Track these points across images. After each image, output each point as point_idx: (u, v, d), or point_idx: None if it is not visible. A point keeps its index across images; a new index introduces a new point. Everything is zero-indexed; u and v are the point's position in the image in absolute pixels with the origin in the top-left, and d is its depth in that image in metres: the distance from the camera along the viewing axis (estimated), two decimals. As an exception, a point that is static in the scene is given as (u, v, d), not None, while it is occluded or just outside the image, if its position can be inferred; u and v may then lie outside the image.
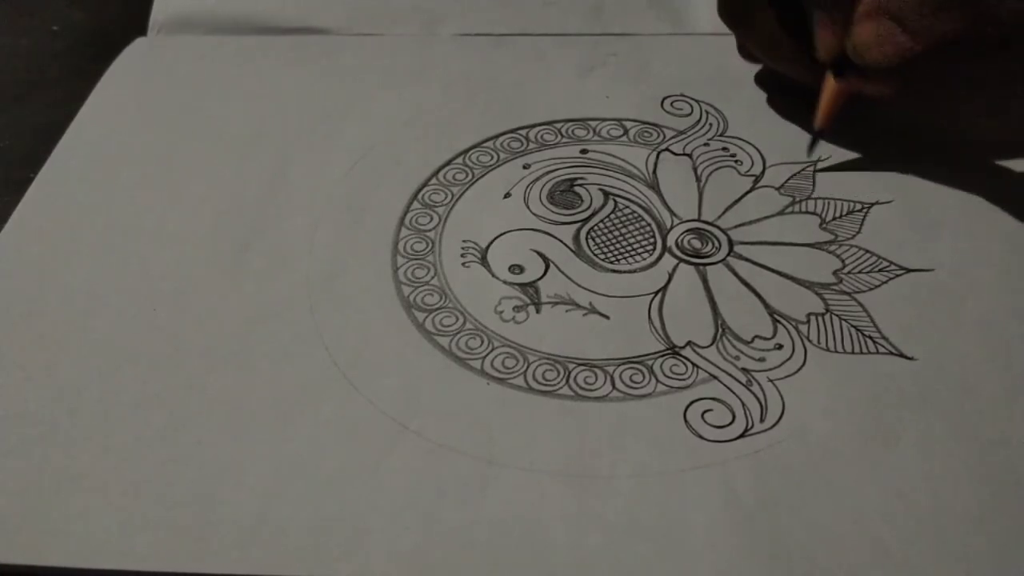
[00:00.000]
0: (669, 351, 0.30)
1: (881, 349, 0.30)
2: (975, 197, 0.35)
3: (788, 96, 0.39)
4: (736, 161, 0.37)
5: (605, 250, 0.34)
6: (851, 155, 0.37)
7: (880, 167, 0.36)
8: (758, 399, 0.29)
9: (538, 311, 0.32)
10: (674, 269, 0.33)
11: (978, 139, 0.37)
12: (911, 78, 0.33)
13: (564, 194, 0.36)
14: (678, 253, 0.34)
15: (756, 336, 0.31)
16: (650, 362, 0.30)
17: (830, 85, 0.35)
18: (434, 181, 0.37)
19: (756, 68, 0.41)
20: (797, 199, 0.35)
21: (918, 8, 0.30)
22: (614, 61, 0.42)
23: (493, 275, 0.33)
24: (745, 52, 0.40)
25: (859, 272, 0.33)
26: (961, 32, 0.30)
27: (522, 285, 0.33)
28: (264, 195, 0.36)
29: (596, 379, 0.29)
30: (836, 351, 0.30)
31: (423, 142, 0.38)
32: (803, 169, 0.36)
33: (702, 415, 0.28)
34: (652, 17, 0.45)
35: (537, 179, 0.37)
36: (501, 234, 0.34)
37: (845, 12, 0.33)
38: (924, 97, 0.37)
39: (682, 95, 0.40)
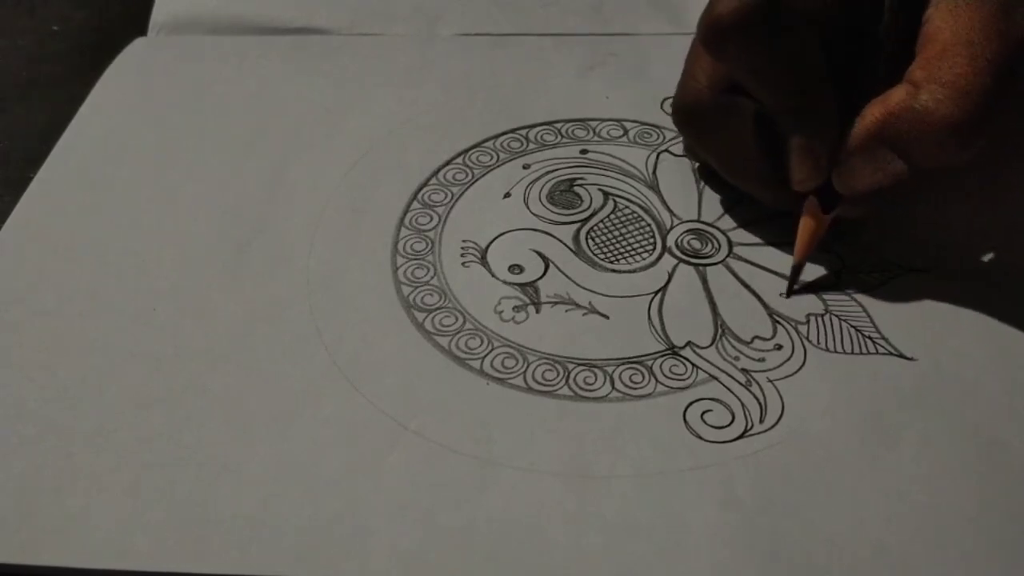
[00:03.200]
0: (669, 351, 0.30)
1: (881, 349, 0.30)
2: (975, 197, 0.35)
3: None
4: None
5: (605, 250, 0.34)
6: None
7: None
8: (758, 400, 0.29)
9: (538, 311, 0.32)
10: (674, 269, 0.33)
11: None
12: (897, 200, 0.31)
13: (564, 194, 0.36)
14: (678, 253, 0.34)
15: (756, 336, 0.31)
16: (650, 362, 0.30)
17: (810, 218, 0.31)
18: (434, 181, 0.37)
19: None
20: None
21: (935, 143, 0.27)
22: (614, 61, 0.42)
23: (493, 275, 0.33)
24: (694, 154, 0.36)
25: (859, 272, 0.33)
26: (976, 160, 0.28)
27: (522, 285, 0.33)
28: (264, 195, 0.36)
29: (596, 379, 0.29)
30: (836, 351, 0.30)
31: (423, 142, 0.38)
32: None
33: (702, 415, 0.28)
34: (652, 17, 0.45)
35: (537, 179, 0.37)
36: (501, 234, 0.34)
37: (830, 142, 0.29)
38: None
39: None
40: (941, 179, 0.30)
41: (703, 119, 0.33)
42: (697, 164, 0.37)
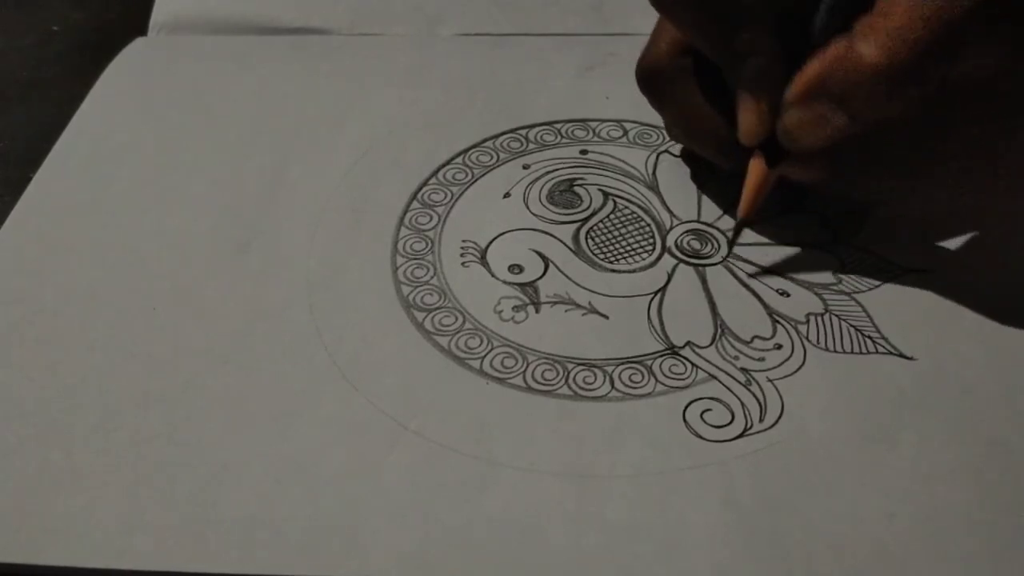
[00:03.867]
0: (668, 351, 0.30)
1: (881, 349, 0.30)
2: (976, 196, 0.35)
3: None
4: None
5: (605, 250, 0.34)
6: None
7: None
8: (757, 399, 0.29)
9: (537, 311, 0.32)
10: (673, 269, 0.33)
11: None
12: (845, 160, 0.30)
13: (564, 194, 0.36)
14: (677, 254, 0.34)
15: (755, 336, 0.31)
16: (649, 362, 0.30)
17: (756, 172, 0.31)
18: (434, 181, 0.37)
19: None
20: (797, 200, 0.35)
21: (867, 92, 0.27)
22: (614, 61, 0.42)
23: (492, 275, 0.33)
24: (672, 132, 0.36)
25: (859, 272, 0.33)
26: (911, 114, 0.27)
27: (521, 285, 0.33)
28: (264, 195, 0.36)
29: (595, 379, 0.29)
30: (836, 351, 0.30)
31: (423, 142, 0.38)
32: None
33: (701, 415, 0.28)
34: (652, 17, 0.44)
35: (537, 179, 0.37)
36: (501, 234, 0.34)
37: (773, 91, 0.29)
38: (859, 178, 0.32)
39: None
40: (890, 147, 0.29)
41: (662, 81, 0.33)
42: (690, 171, 0.37)
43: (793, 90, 0.29)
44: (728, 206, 0.35)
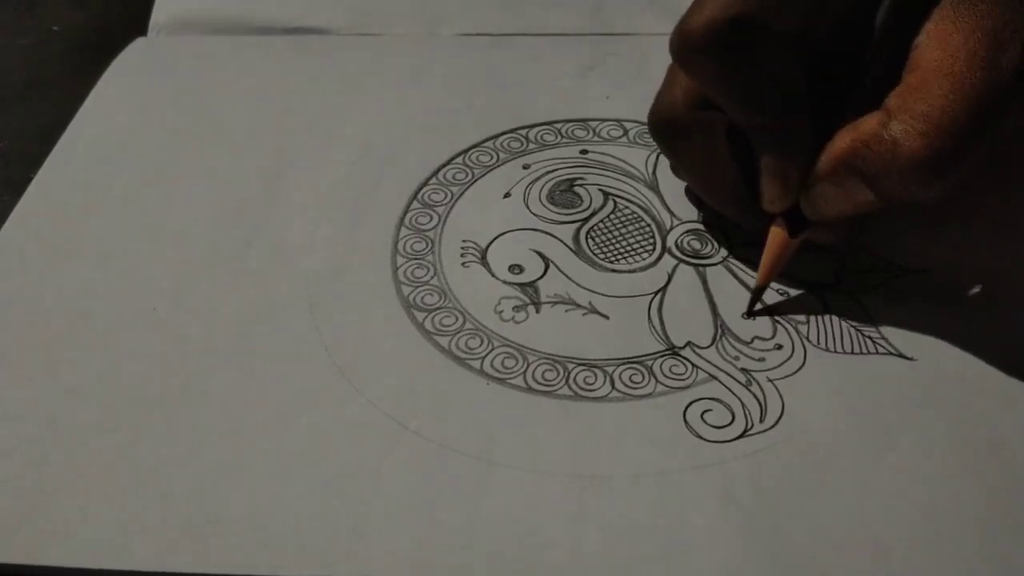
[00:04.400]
0: (669, 351, 0.30)
1: (881, 349, 0.30)
2: (975, 197, 0.35)
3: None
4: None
5: (605, 250, 0.34)
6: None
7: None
8: (758, 399, 0.29)
9: (538, 311, 0.32)
10: (674, 269, 0.33)
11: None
12: (869, 225, 0.29)
13: (564, 194, 0.36)
14: (678, 254, 0.34)
15: (755, 336, 0.31)
16: (650, 362, 0.30)
17: (777, 240, 0.30)
18: (434, 181, 0.37)
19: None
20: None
21: (901, 179, 0.26)
22: (614, 61, 0.42)
23: (493, 275, 0.33)
24: (678, 174, 0.35)
25: (859, 272, 0.33)
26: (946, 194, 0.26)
27: (522, 285, 0.33)
28: (264, 194, 0.36)
29: (596, 379, 0.29)
30: (836, 351, 0.30)
31: (423, 142, 0.38)
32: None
33: (701, 415, 0.28)
34: (652, 17, 0.44)
35: (537, 179, 0.37)
36: (501, 234, 0.34)
37: (802, 164, 0.28)
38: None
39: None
40: (917, 209, 0.29)
41: (677, 134, 0.32)
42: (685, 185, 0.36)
43: (823, 166, 0.28)
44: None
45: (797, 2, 0.27)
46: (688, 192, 0.36)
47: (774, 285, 0.32)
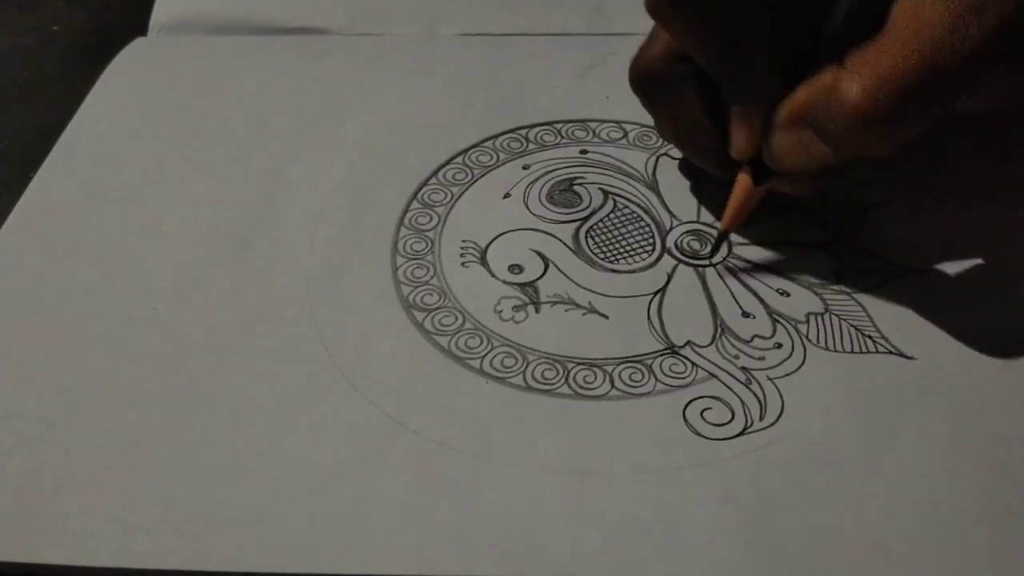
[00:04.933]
0: (668, 350, 0.30)
1: (880, 349, 0.30)
2: (975, 197, 0.35)
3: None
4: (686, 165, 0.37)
5: (604, 249, 0.34)
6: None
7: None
8: (757, 398, 0.29)
9: (537, 311, 0.32)
10: (673, 270, 0.33)
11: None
12: (830, 181, 0.30)
13: (563, 193, 0.36)
14: (677, 254, 0.34)
15: (755, 336, 0.31)
16: (649, 361, 0.30)
17: (741, 187, 0.31)
18: (434, 181, 0.37)
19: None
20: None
21: (846, 131, 0.26)
22: (614, 61, 0.42)
23: (492, 275, 0.33)
24: (662, 133, 0.35)
25: (859, 272, 0.33)
26: (891, 152, 0.26)
27: (521, 285, 0.33)
28: (264, 194, 0.36)
29: (595, 378, 0.29)
30: (835, 350, 0.30)
31: (423, 142, 0.38)
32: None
33: (701, 413, 0.28)
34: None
35: (537, 179, 0.37)
36: (501, 234, 0.34)
37: (762, 111, 0.29)
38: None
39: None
40: (889, 167, 0.29)
41: (656, 87, 0.33)
42: (690, 184, 0.37)
43: (780, 114, 0.28)
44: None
45: None
46: (681, 165, 0.37)
47: (774, 285, 0.32)
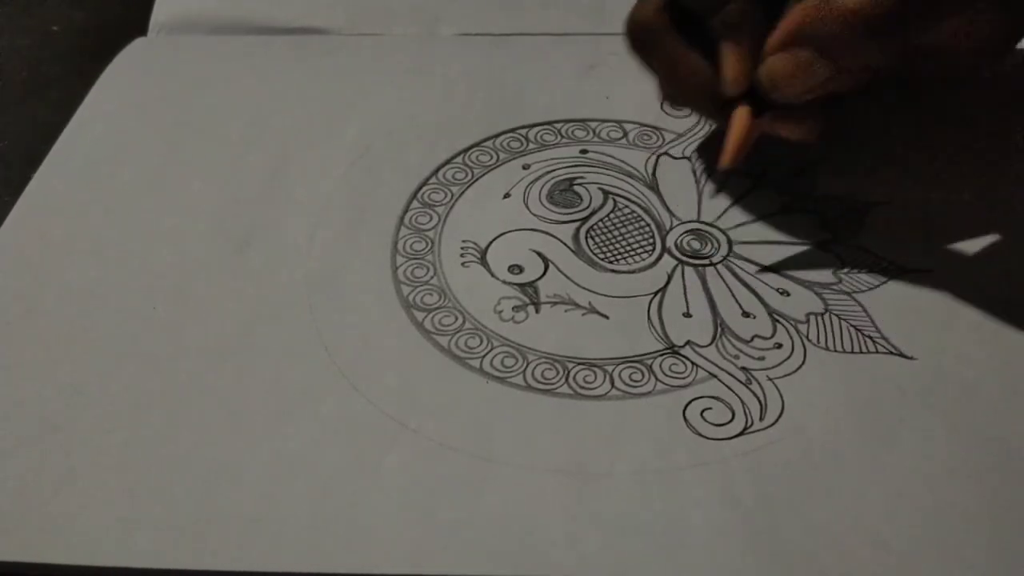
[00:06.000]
0: (668, 350, 0.30)
1: (881, 349, 0.30)
2: (975, 197, 0.35)
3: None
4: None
5: (605, 250, 0.34)
6: (848, 155, 0.37)
7: (878, 166, 0.36)
8: (757, 398, 0.29)
9: (537, 311, 0.32)
10: (673, 270, 0.33)
11: (977, 136, 0.37)
12: (833, 118, 0.30)
13: (564, 193, 0.36)
14: (677, 254, 0.34)
15: (755, 336, 0.31)
16: (649, 361, 0.30)
17: (740, 120, 0.31)
18: (434, 180, 0.37)
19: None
20: (797, 199, 0.35)
21: (847, 38, 0.27)
22: (614, 61, 0.42)
23: (492, 275, 0.33)
24: (664, 90, 0.36)
25: (859, 272, 0.33)
26: (890, 67, 0.27)
27: (521, 285, 0.33)
28: (264, 194, 0.36)
29: (595, 378, 0.29)
30: (836, 350, 0.30)
31: (423, 142, 0.38)
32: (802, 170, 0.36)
33: (701, 413, 0.28)
34: (652, 17, 0.44)
35: (537, 179, 0.37)
36: (501, 234, 0.34)
37: (753, 38, 0.29)
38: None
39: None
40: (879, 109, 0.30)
41: (651, 36, 0.33)
42: (695, 166, 0.37)
43: (774, 36, 0.28)
44: (729, 205, 0.35)
45: None
46: (703, 164, 0.36)
47: (774, 285, 0.32)
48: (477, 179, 0.37)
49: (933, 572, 0.25)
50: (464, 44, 0.44)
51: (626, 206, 0.36)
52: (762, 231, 0.34)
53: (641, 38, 0.33)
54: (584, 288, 0.32)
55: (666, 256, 0.34)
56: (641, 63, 0.34)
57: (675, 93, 0.35)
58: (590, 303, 0.32)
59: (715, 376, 0.29)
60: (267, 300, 0.32)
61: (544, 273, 0.33)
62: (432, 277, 0.33)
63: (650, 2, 0.33)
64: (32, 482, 0.27)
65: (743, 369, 0.30)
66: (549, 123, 0.39)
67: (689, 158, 0.37)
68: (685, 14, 0.32)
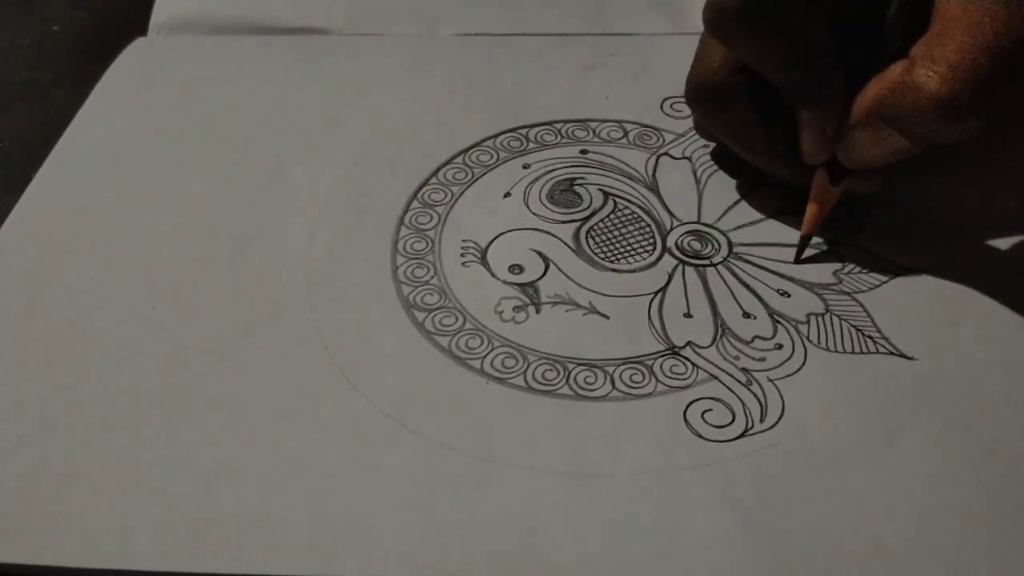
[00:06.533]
0: (669, 351, 0.30)
1: (881, 349, 0.30)
2: (975, 196, 0.35)
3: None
4: (737, 162, 0.37)
5: (605, 250, 0.34)
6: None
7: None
8: (758, 399, 0.29)
9: (538, 311, 0.32)
10: (674, 269, 0.33)
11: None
12: (894, 172, 0.31)
13: (564, 193, 0.36)
14: (678, 254, 0.34)
15: (756, 336, 0.31)
16: (650, 362, 0.30)
17: (818, 190, 0.32)
18: (434, 180, 0.37)
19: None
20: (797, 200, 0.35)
21: (927, 122, 0.27)
22: (614, 61, 0.42)
23: (493, 275, 0.33)
24: (702, 130, 0.36)
25: (859, 272, 0.33)
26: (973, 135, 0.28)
27: (522, 285, 0.33)
28: (264, 194, 0.36)
29: (596, 379, 0.29)
30: (836, 351, 0.30)
31: (423, 142, 0.38)
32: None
33: (702, 415, 0.28)
34: (652, 17, 0.45)
35: (537, 179, 0.37)
36: (501, 234, 0.34)
37: (837, 114, 0.30)
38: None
39: (682, 96, 0.40)
40: (951, 160, 0.30)
41: (716, 98, 0.33)
42: (695, 167, 0.37)
43: (855, 115, 0.29)
44: (729, 206, 0.35)
45: None
46: (718, 157, 0.37)
47: (774, 285, 0.32)
48: (477, 179, 0.37)
49: (933, 572, 0.25)
50: (464, 44, 0.44)
51: (626, 206, 0.36)
52: (763, 232, 0.34)
53: (704, 98, 0.34)
54: (584, 288, 0.32)
55: (667, 256, 0.34)
56: (703, 121, 0.35)
57: (739, 149, 0.34)
58: (590, 303, 0.32)
59: (716, 377, 0.29)
60: (267, 300, 0.32)
61: (544, 273, 0.33)
62: (432, 277, 0.33)
63: (714, 62, 0.32)
64: (32, 482, 0.27)
65: (744, 370, 0.30)
66: (549, 123, 0.39)
67: (689, 158, 0.37)
68: (752, 73, 0.32)
